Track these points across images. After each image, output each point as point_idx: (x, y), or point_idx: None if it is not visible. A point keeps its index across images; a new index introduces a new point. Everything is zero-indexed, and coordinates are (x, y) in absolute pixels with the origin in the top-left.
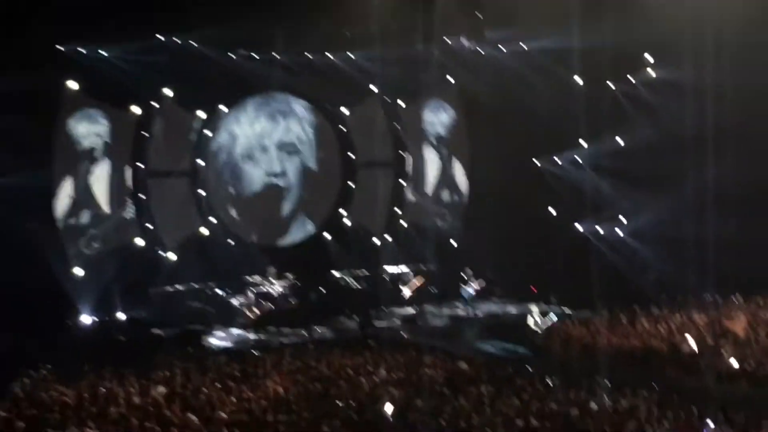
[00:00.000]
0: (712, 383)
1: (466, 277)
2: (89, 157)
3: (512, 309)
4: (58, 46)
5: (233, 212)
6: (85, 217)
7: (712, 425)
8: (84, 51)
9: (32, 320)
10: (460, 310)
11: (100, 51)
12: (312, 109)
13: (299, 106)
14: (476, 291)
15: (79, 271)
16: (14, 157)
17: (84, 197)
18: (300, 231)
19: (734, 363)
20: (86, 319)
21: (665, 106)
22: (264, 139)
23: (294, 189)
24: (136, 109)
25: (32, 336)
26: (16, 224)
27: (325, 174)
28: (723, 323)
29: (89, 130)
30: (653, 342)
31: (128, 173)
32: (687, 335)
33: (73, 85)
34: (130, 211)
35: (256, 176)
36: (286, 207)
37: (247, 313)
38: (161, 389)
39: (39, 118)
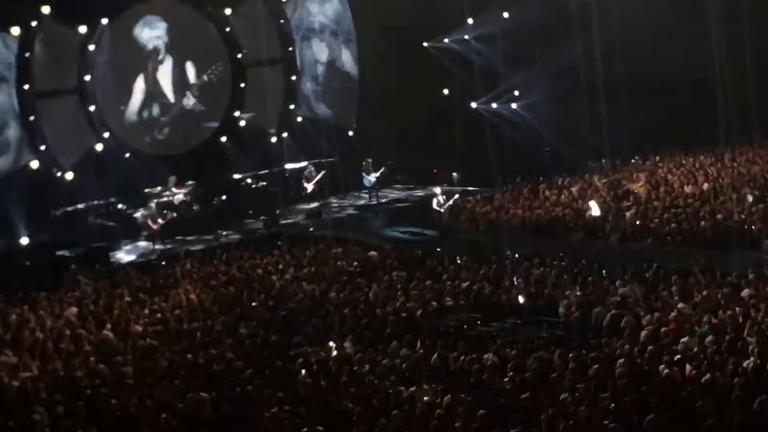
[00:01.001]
0: (618, 244)
1: (366, 166)
2: None
3: (416, 193)
4: None
5: (126, 125)
6: None
7: (621, 284)
8: None
9: None
10: (364, 200)
11: None
12: (195, 11)
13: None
14: (377, 178)
15: None
16: None
17: None
18: (197, 137)
19: (637, 222)
20: None
21: None
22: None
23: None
24: (15, 30)
25: None
26: None
27: (216, 80)
28: (624, 185)
29: None
30: (557, 210)
31: (14, 95)
32: (590, 200)
33: None
34: (18, 133)
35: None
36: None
37: (152, 224)
38: (73, 309)
39: None
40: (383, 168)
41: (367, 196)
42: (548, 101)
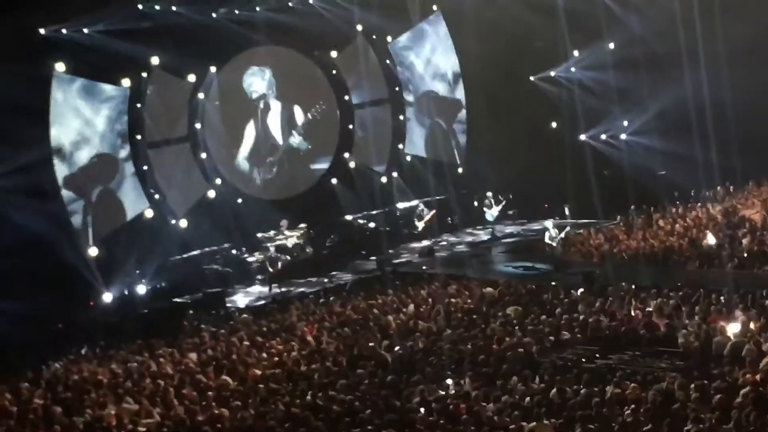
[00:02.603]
0: (734, 272)
1: (488, 201)
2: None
3: (528, 227)
4: (40, 31)
5: (237, 170)
6: (94, 193)
7: (740, 312)
8: (66, 31)
9: (55, 304)
10: (477, 236)
11: (82, 29)
12: (301, 56)
13: (285, 56)
14: (500, 212)
15: (93, 250)
16: (12, 151)
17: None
18: (307, 180)
19: (753, 248)
20: (107, 296)
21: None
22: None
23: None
24: (125, 82)
25: (57, 320)
26: (21, 213)
27: (323, 120)
28: (738, 212)
29: (82, 108)
30: (671, 240)
31: (126, 146)
32: (705, 229)
33: (60, 67)
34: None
35: (250, 134)
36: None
37: (270, 268)
38: (192, 355)
39: (31, 103)
40: (503, 202)
41: (487, 230)
42: (658, 131)
